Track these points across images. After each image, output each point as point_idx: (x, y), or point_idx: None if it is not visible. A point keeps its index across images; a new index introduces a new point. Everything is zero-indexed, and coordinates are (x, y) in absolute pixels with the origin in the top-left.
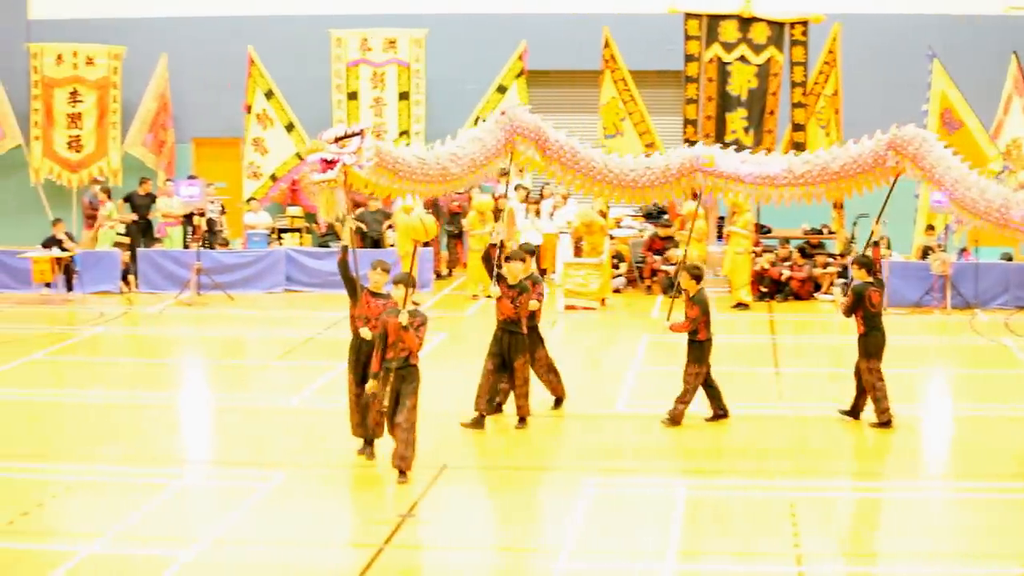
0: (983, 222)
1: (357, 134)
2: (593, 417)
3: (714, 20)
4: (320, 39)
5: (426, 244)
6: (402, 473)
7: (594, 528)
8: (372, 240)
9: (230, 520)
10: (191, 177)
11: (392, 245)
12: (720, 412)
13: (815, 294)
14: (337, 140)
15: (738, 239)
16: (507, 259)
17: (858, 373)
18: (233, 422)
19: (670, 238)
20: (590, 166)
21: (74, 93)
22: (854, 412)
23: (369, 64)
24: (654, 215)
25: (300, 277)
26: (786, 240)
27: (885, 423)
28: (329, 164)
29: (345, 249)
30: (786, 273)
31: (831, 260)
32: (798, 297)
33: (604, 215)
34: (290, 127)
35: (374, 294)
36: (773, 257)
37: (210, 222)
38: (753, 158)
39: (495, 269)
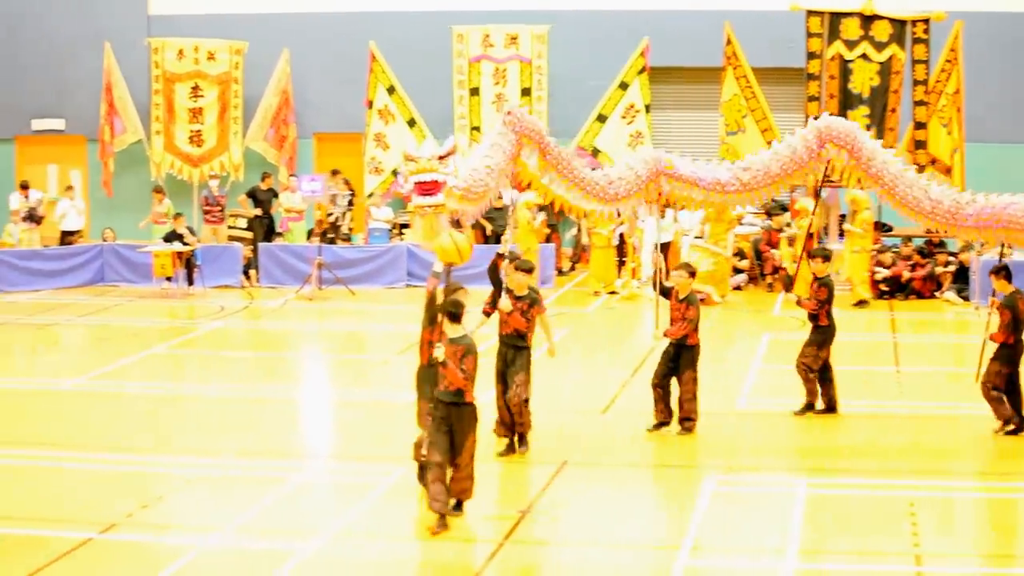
0: (928, 222)
1: (450, 153)
2: (714, 414)
3: (836, 17)
4: (442, 35)
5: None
6: (457, 506)
7: (715, 525)
8: (496, 236)
9: (349, 515)
10: (334, 172)
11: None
12: (830, 405)
13: (936, 293)
14: (441, 159)
15: (855, 238)
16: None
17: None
18: (354, 417)
19: (780, 229)
20: (580, 176)
21: (195, 88)
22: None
23: (491, 60)
24: (774, 211)
25: (421, 272)
26: (908, 238)
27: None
28: (429, 185)
29: (499, 256)
30: (906, 273)
31: (952, 259)
32: (920, 295)
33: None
34: (412, 123)
35: (518, 297)
36: (892, 256)
37: (337, 218)
38: (705, 165)
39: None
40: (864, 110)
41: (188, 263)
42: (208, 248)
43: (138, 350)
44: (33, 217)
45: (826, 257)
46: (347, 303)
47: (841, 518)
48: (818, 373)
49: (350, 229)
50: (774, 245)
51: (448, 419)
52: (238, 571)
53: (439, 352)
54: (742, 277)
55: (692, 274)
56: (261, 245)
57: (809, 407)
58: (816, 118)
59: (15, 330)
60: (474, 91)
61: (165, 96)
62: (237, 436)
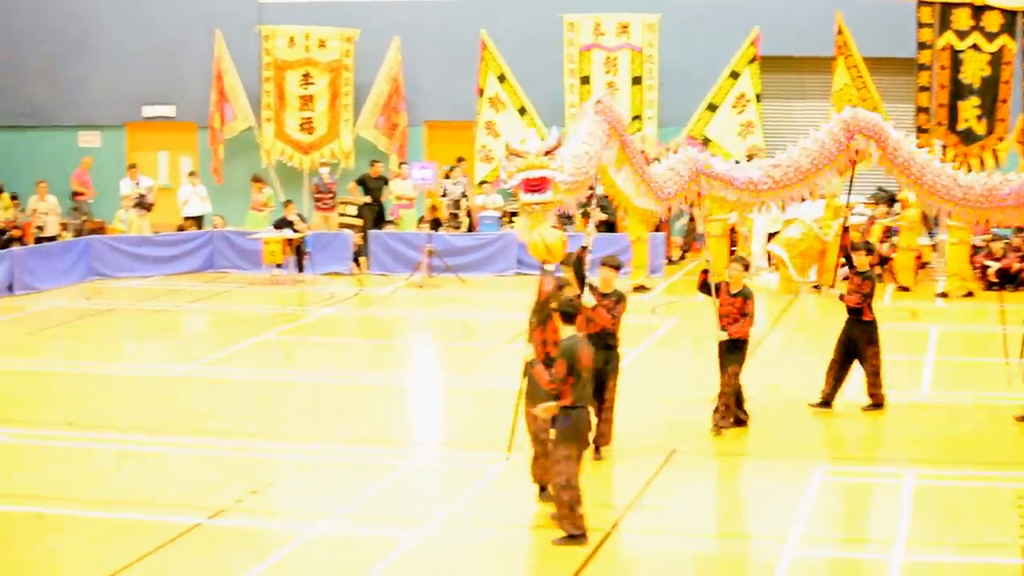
0: (963, 210)
1: (556, 147)
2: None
3: (947, 8)
4: (553, 23)
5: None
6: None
7: (823, 516)
8: (607, 224)
9: (457, 502)
10: (460, 160)
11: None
12: (826, 400)
13: None
14: (547, 153)
15: (954, 230)
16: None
17: None
18: (462, 404)
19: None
20: (649, 176)
21: (306, 75)
22: None
23: (602, 49)
24: (881, 200)
25: (531, 260)
26: (1020, 229)
27: None
28: (536, 182)
29: (583, 249)
30: (1016, 264)
31: None
32: None
33: None
34: (522, 111)
35: (603, 295)
36: (1003, 247)
37: (456, 204)
38: (739, 165)
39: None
40: (975, 100)
41: (298, 250)
42: (318, 235)
43: (248, 337)
44: (143, 204)
45: (869, 251)
46: (456, 291)
47: (949, 510)
48: (835, 368)
49: (468, 213)
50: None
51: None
52: (346, 558)
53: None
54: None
55: (746, 267)
56: (371, 232)
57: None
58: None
59: (126, 316)
60: (584, 80)
61: (276, 83)
62: (346, 423)
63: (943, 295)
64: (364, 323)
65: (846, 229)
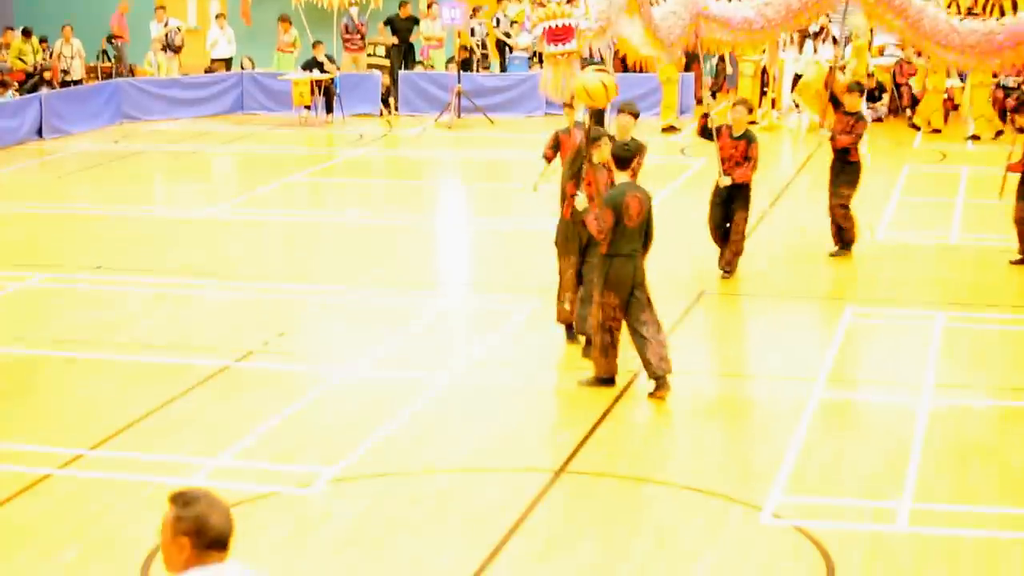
0: (960, 55)
1: None
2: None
3: None
4: None
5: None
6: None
7: (851, 357)
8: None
9: (485, 344)
10: None
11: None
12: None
13: None
14: (571, 1)
15: (977, 72)
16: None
17: None
18: (491, 246)
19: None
20: (656, 24)
21: None
22: None
23: None
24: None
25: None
26: None
27: None
28: (560, 32)
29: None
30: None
31: None
32: None
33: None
34: None
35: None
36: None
37: (480, 45)
38: (734, 5)
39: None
40: None
41: (327, 91)
42: (347, 76)
43: (277, 178)
44: (171, 46)
45: (861, 91)
46: (486, 131)
47: (978, 353)
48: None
49: (483, 56)
50: (912, 74)
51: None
52: (374, 400)
53: (580, 201)
54: (883, 110)
55: (750, 110)
56: (400, 73)
57: (847, 246)
58: None
59: (155, 158)
60: None
61: None
62: (375, 265)
63: (974, 137)
64: (393, 164)
65: (832, 69)
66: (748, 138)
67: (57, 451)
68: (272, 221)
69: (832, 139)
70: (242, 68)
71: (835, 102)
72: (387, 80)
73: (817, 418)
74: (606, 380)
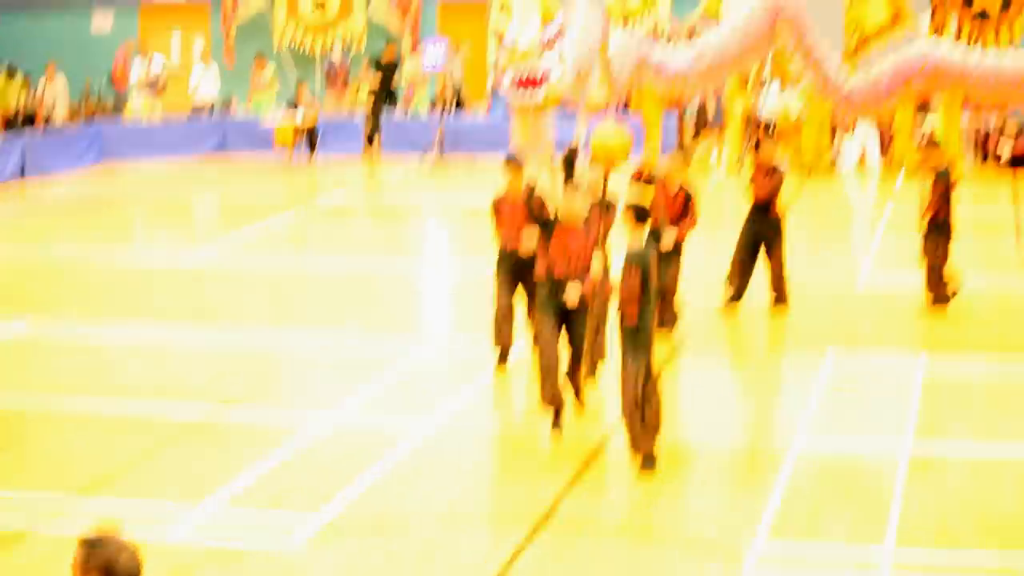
0: (840, 104)
1: (555, 39)
2: (833, 296)
3: None
4: None
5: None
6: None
7: (832, 405)
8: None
9: (470, 390)
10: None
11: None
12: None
13: None
14: (541, 47)
15: (947, 110)
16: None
17: None
18: (474, 289)
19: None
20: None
21: None
22: None
23: None
24: None
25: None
26: None
27: None
28: (530, 79)
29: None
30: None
31: None
32: None
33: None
34: None
35: (574, 225)
36: (1017, 126)
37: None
38: (673, 51)
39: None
40: None
41: (310, 133)
42: (330, 118)
43: (259, 220)
44: (154, 85)
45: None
46: (469, 172)
47: (959, 399)
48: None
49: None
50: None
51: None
52: (356, 447)
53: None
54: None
55: (687, 160)
56: (383, 114)
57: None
58: None
59: (138, 200)
60: None
61: None
62: (357, 310)
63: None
64: (376, 206)
65: (759, 123)
66: (687, 192)
67: (40, 498)
68: (255, 264)
69: (753, 191)
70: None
71: (757, 147)
72: (370, 122)
73: (799, 466)
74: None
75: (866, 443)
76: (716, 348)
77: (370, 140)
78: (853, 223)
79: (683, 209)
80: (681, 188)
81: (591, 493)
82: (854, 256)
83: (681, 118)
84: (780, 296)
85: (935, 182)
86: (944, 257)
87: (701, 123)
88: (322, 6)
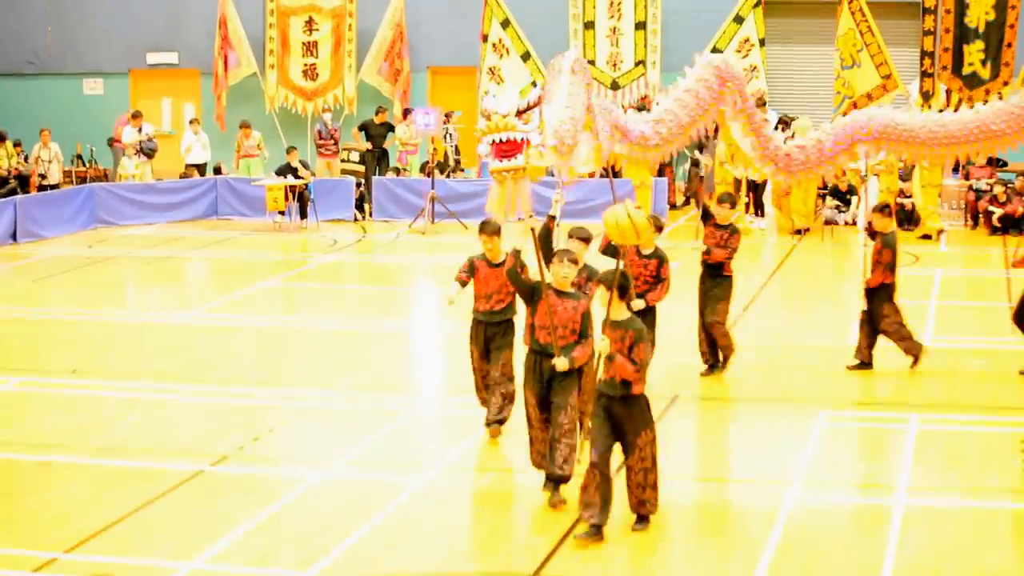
0: (775, 172)
1: (535, 105)
2: (826, 350)
3: None
4: None
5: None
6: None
7: (825, 461)
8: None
9: (460, 448)
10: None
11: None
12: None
13: None
14: (520, 114)
15: (924, 172)
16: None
17: None
18: (465, 351)
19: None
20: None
21: (310, 21)
22: None
23: None
24: None
25: (536, 207)
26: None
27: None
28: (507, 146)
29: (518, 255)
30: (1021, 209)
31: None
32: None
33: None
34: (526, 56)
35: (561, 293)
36: (1007, 192)
37: (455, 150)
38: (632, 117)
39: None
40: (979, 44)
41: (301, 197)
42: (321, 182)
43: (251, 283)
44: (145, 150)
45: (732, 203)
46: (460, 237)
47: (952, 454)
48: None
49: (456, 162)
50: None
51: (612, 414)
52: (348, 503)
53: (602, 345)
54: (853, 212)
55: (659, 227)
56: (374, 178)
57: (723, 364)
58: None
59: (129, 263)
60: (588, 25)
61: (279, 30)
62: (348, 370)
63: (925, 236)
64: (367, 270)
65: (701, 179)
66: (659, 257)
67: (31, 554)
68: (246, 326)
69: (706, 253)
70: (217, 173)
71: (706, 215)
72: (361, 186)
73: (792, 521)
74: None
75: (859, 495)
76: (708, 404)
77: (360, 204)
78: (843, 283)
79: (656, 273)
80: (654, 253)
81: (583, 549)
82: (844, 316)
83: (672, 180)
84: (727, 355)
85: (881, 249)
86: (898, 313)
87: (694, 186)
88: (312, 71)
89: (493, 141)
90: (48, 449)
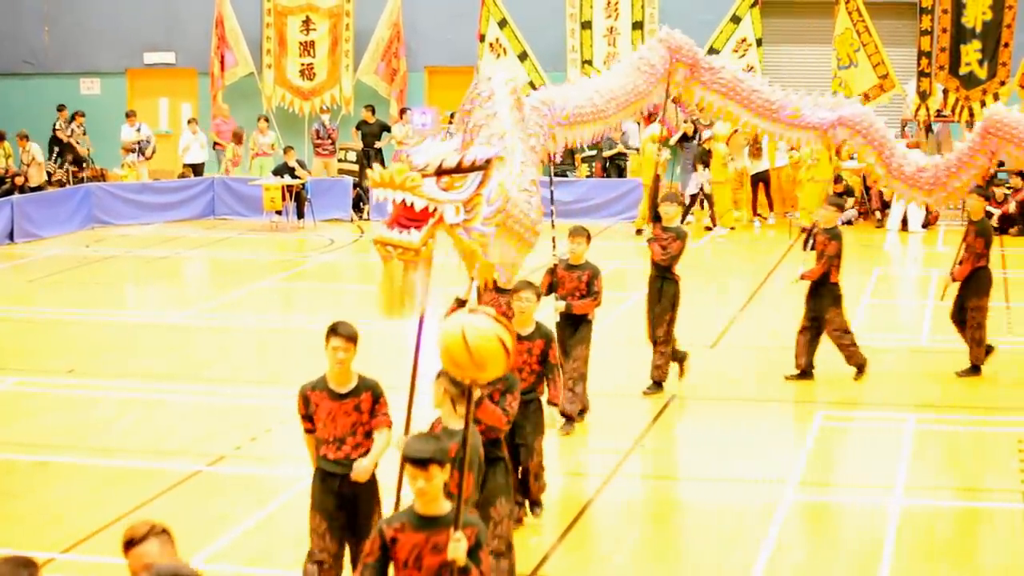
0: (783, 128)
1: (482, 167)
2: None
3: None
4: None
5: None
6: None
7: (823, 461)
8: (618, 169)
9: None
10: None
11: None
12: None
13: None
14: (441, 174)
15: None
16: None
17: None
18: None
19: None
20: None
21: (307, 21)
22: None
23: None
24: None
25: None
26: (1021, 173)
27: None
28: (407, 214)
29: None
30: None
31: None
32: None
33: None
34: (523, 56)
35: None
36: (1005, 192)
37: None
38: (577, 94)
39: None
40: (976, 44)
41: (298, 196)
42: (318, 181)
43: (248, 283)
44: (142, 151)
45: (680, 203)
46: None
47: (949, 455)
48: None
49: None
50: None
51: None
52: None
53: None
54: (851, 213)
55: (588, 238)
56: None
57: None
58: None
59: (126, 263)
60: (586, 24)
61: (277, 29)
62: None
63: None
64: (364, 269)
65: (657, 176)
66: (591, 270)
67: (29, 554)
68: (243, 326)
69: (653, 248)
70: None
71: (656, 216)
72: (358, 185)
73: (789, 520)
74: None
75: (856, 495)
76: (706, 404)
77: (357, 203)
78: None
79: (587, 285)
80: (584, 265)
81: (579, 550)
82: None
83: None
84: (679, 358)
85: (826, 245)
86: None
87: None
88: (310, 70)
89: (393, 200)
90: (45, 449)
